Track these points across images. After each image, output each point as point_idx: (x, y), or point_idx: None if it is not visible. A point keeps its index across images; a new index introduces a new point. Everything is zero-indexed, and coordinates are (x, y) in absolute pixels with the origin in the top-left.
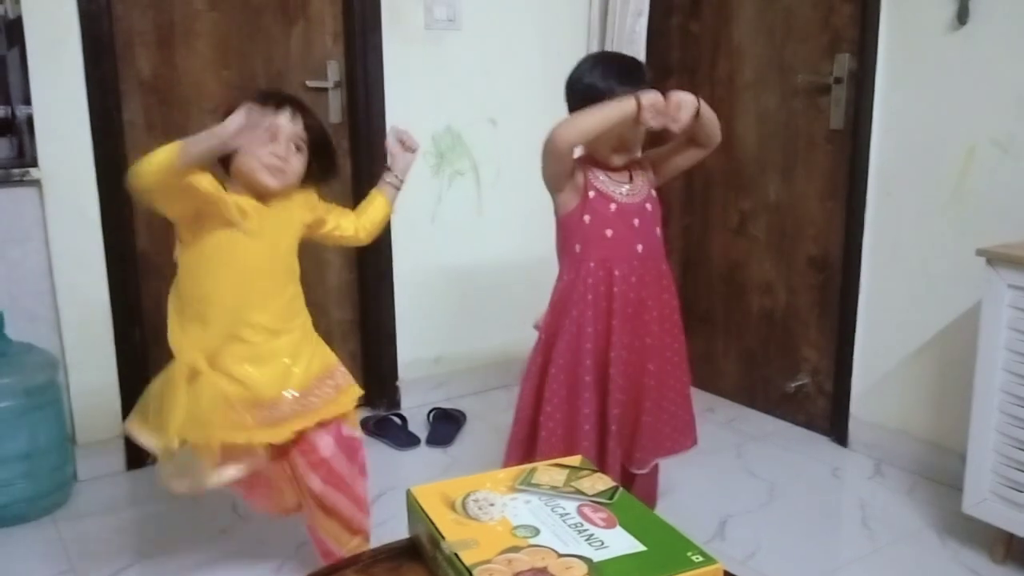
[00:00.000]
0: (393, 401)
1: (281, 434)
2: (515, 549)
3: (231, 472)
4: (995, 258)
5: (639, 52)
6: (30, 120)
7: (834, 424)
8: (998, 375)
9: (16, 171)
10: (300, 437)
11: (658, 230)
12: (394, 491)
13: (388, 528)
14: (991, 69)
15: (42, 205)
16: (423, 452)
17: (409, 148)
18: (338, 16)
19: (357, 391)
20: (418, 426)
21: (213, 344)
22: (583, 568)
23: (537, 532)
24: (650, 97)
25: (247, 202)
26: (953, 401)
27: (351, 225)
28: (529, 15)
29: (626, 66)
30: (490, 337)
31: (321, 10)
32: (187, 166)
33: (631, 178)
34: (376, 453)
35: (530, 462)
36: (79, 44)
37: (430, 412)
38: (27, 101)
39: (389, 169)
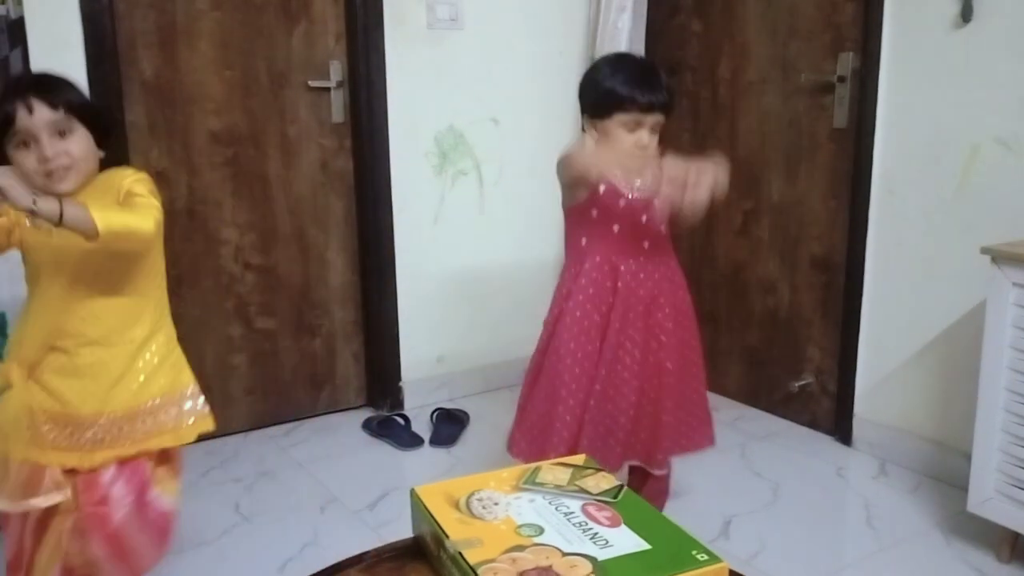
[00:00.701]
0: (396, 401)
1: (88, 459)
2: (519, 548)
3: (36, 501)
4: (1000, 256)
5: (620, 48)
6: None
7: (838, 424)
8: (1003, 374)
9: None
10: (90, 484)
11: (664, 227)
12: (398, 491)
13: (392, 528)
14: (995, 67)
15: None
16: (426, 452)
17: None
18: (340, 16)
19: (202, 425)
20: (421, 426)
21: (31, 353)
22: (588, 567)
23: (541, 531)
24: (670, 172)
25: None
26: (958, 400)
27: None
28: (530, 14)
29: (648, 73)
30: (493, 337)
31: (323, 10)
32: None
33: (643, 173)
34: (379, 453)
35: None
36: (81, 45)
37: (433, 412)
38: None
39: None
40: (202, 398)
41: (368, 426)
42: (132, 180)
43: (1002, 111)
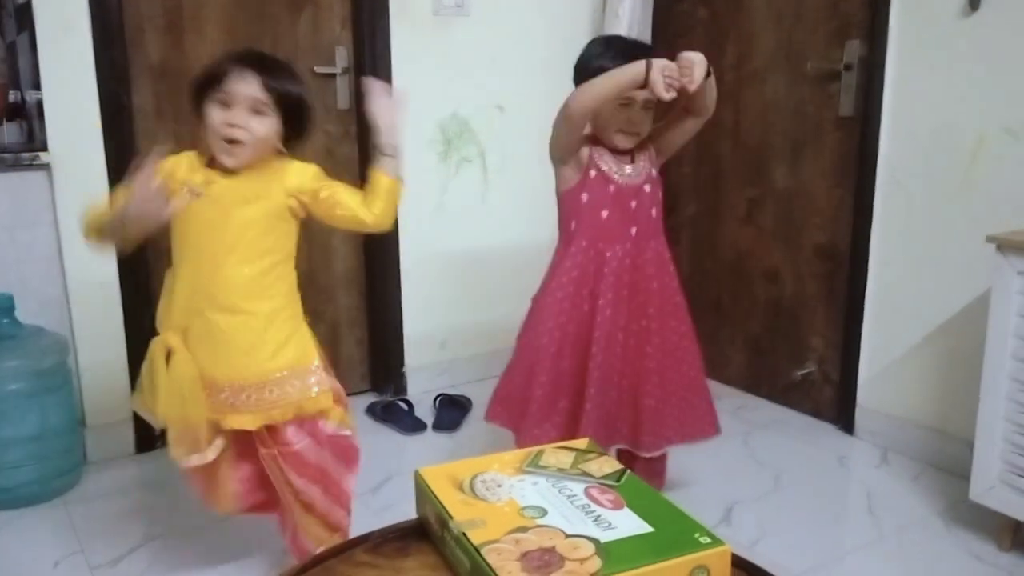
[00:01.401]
0: (399, 387)
1: (249, 421)
2: (523, 529)
3: (208, 453)
4: (1005, 244)
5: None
6: (40, 105)
7: (841, 412)
8: (1007, 363)
9: (26, 155)
10: (272, 430)
11: (655, 211)
12: (401, 475)
13: (395, 511)
14: (1003, 56)
15: (52, 189)
16: (429, 437)
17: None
18: (346, 1)
19: (323, 401)
20: (424, 411)
21: (180, 319)
22: (590, 548)
23: (545, 513)
24: (661, 62)
25: (198, 173)
26: (961, 389)
27: (352, 201)
28: (537, 2)
29: (637, 47)
30: (496, 324)
31: None
32: (103, 239)
33: (633, 159)
34: (383, 438)
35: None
36: (88, 29)
37: (436, 398)
38: (37, 86)
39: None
40: (324, 374)
41: (372, 411)
42: (314, 173)
43: (1009, 100)
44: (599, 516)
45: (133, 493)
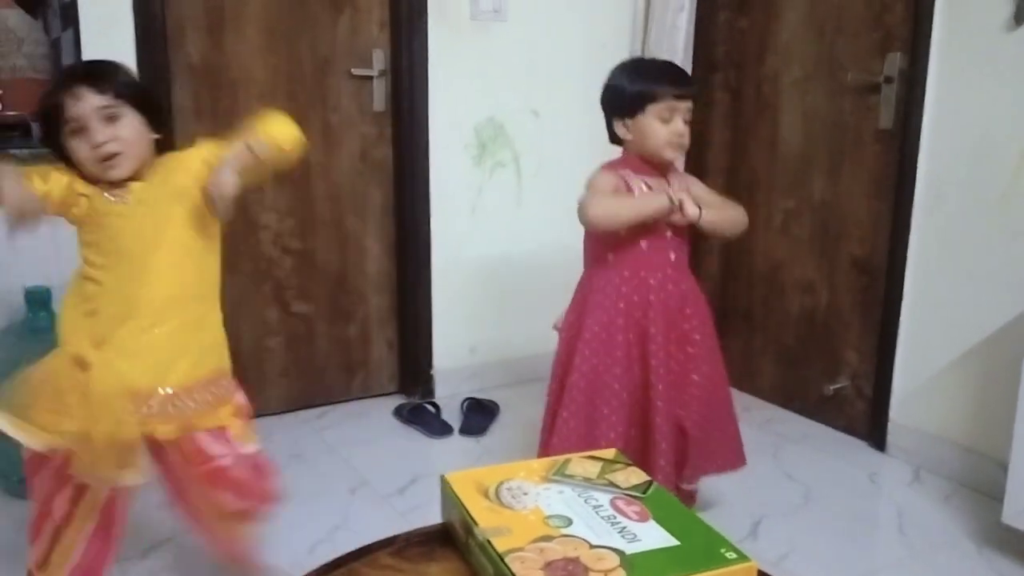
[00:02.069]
0: (427, 389)
1: (173, 430)
2: (547, 538)
3: (131, 475)
4: None
5: (678, 47)
6: None
7: (873, 429)
8: None
9: None
10: (186, 447)
11: (685, 240)
12: (427, 478)
13: (420, 514)
14: None
15: None
16: (456, 441)
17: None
18: (385, 5)
19: (235, 408)
20: (452, 415)
21: (103, 329)
22: (615, 560)
23: (570, 522)
24: (684, 201)
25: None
26: (996, 409)
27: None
28: (574, 7)
29: (672, 66)
30: (526, 329)
31: None
32: None
33: (668, 183)
34: (409, 440)
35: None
36: (131, 28)
37: (464, 402)
38: None
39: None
40: (231, 381)
41: (399, 413)
42: (209, 149)
43: None
44: (624, 527)
45: (159, 488)
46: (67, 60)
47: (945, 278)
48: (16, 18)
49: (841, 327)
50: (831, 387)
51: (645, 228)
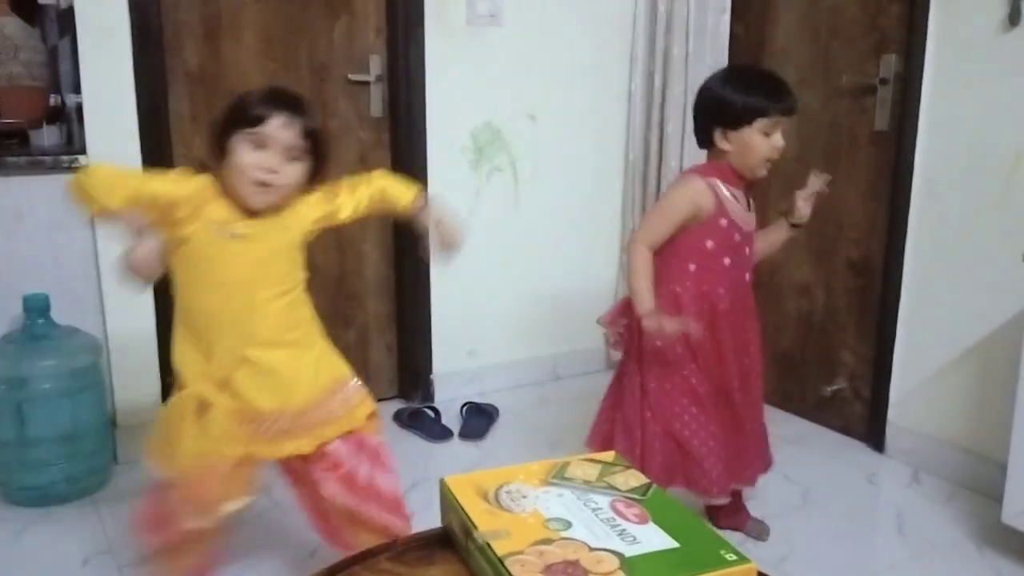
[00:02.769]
0: (427, 394)
1: (282, 449)
2: (547, 541)
3: (235, 504)
4: None
5: (724, 49)
6: (79, 108)
7: (871, 430)
8: None
9: (65, 158)
10: (318, 455)
11: (750, 252)
12: (426, 482)
13: (420, 519)
14: None
15: None
16: (455, 445)
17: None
18: (381, 10)
19: (368, 407)
20: (451, 419)
21: (223, 368)
22: (615, 562)
23: (569, 525)
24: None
25: (224, 213)
26: (994, 409)
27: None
28: (572, 11)
29: (777, 79)
30: (525, 333)
31: (364, 4)
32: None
33: (749, 204)
34: (409, 445)
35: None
36: (128, 34)
37: (463, 406)
38: (77, 89)
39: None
40: (359, 381)
41: (399, 417)
42: (317, 199)
43: None
44: (624, 530)
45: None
46: (64, 67)
47: (942, 279)
48: (13, 25)
49: (838, 329)
50: (829, 389)
51: (730, 245)
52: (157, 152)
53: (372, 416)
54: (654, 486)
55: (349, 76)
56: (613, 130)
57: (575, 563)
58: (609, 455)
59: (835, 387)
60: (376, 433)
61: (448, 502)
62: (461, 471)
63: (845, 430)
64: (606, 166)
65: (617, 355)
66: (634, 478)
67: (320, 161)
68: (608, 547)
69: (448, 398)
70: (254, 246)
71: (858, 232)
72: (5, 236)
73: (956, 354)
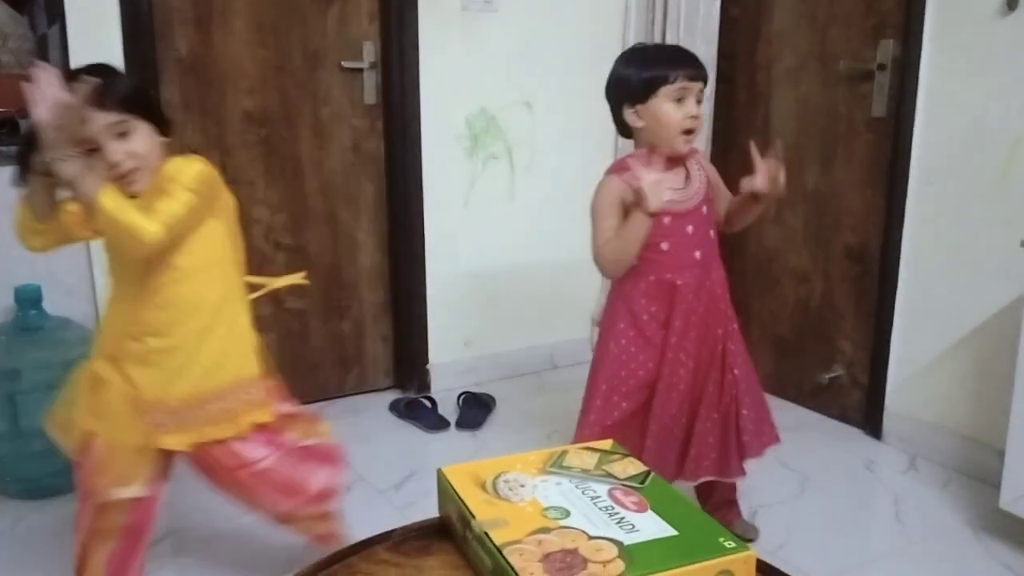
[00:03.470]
0: (423, 384)
1: (182, 441)
2: (545, 530)
3: (133, 489)
4: None
5: (714, 36)
6: None
7: (868, 417)
8: None
9: None
10: (218, 455)
11: (712, 232)
12: (424, 472)
13: (417, 508)
14: None
15: None
16: (452, 435)
17: None
18: None
19: (259, 416)
20: (448, 409)
21: (112, 346)
22: (613, 550)
23: (567, 514)
24: (648, 183)
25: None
26: (992, 396)
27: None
28: None
29: (678, 48)
30: (521, 322)
31: None
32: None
33: (688, 176)
34: (406, 435)
35: None
36: (118, 22)
37: (460, 396)
38: None
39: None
40: (263, 388)
41: (395, 408)
42: (178, 168)
43: None
44: (623, 518)
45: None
46: (54, 55)
47: (939, 265)
48: (2, 13)
49: (835, 316)
50: (826, 376)
51: (661, 230)
52: None
53: (274, 416)
54: (652, 474)
55: (342, 63)
56: (609, 117)
57: (574, 552)
58: (607, 443)
59: (833, 374)
60: (300, 436)
61: (446, 492)
62: (458, 461)
63: (843, 417)
64: (603, 153)
65: None
66: (632, 466)
67: (158, 114)
68: (607, 535)
69: (445, 388)
70: None
71: (855, 219)
72: None
73: (953, 341)
